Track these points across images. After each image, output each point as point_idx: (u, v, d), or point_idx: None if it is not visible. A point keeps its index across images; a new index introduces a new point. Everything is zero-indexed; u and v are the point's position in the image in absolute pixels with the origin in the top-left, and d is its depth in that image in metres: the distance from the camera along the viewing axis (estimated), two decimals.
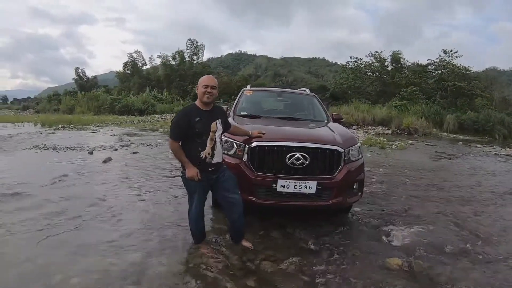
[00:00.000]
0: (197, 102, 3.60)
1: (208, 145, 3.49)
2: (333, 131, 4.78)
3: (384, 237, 4.45)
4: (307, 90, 7.25)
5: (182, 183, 3.77)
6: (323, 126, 5.24)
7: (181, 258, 3.69)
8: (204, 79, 3.57)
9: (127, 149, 10.60)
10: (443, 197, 6.49)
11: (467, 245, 4.34)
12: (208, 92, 3.50)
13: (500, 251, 4.23)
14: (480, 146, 16.57)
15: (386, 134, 19.70)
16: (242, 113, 5.80)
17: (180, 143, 3.51)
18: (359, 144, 4.67)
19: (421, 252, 4.06)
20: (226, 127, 3.88)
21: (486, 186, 7.76)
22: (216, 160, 3.59)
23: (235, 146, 4.25)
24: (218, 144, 3.59)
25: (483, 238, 4.62)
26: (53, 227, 4.32)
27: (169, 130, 3.61)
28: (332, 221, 4.86)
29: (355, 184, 4.52)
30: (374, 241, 4.35)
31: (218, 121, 3.60)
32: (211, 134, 3.50)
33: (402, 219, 5.11)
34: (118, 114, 29.68)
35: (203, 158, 3.50)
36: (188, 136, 3.48)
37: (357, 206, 5.40)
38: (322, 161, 4.17)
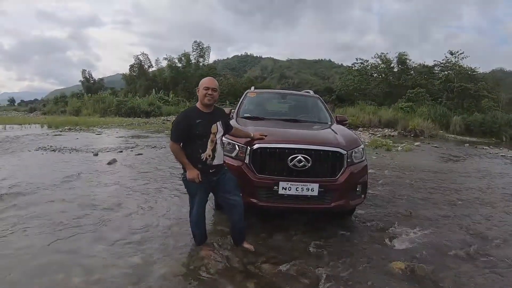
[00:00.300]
0: (198, 104, 3.60)
1: (209, 147, 3.49)
2: (336, 133, 4.75)
3: (387, 241, 4.41)
4: (311, 92, 7.23)
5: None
6: (326, 128, 5.21)
7: (182, 260, 3.69)
8: (205, 81, 3.56)
9: (132, 150, 10.64)
10: (449, 200, 6.43)
11: (473, 248, 4.27)
12: (209, 94, 3.49)
13: (507, 254, 4.17)
14: (486, 147, 16.46)
15: (392, 136, 19.63)
16: (245, 115, 5.79)
17: (181, 145, 3.52)
18: (362, 146, 4.63)
19: (425, 256, 4.01)
20: (227, 129, 3.86)
21: (493, 188, 7.68)
22: (216, 162, 3.58)
23: (237, 148, 4.24)
24: (218, 146, 3.58)
25: (489, 241, 4.57)
26: (53, 230, 4.32)
27: (170, 132, 3.62)
28: (335, 224, 4.82)
29: (358, 186, 4.47)
30: (377, 245, 4.31)
31: (219, 123, 3.59)
32: (211, 136, 3.49)
33: (406, 222, 5.06)
34: (124, 116, 29.77)
35: (203, 160, 3.49)
36: (189, 138, 3.48)
37: (361, 209, 5.36)
38: (325, 163, 4.14)
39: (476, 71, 35.19)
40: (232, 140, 4.25)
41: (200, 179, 3.46)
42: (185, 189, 3.79)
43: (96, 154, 9.72)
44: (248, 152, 4.15)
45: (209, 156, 3.50)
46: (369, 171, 6.13)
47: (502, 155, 13.83)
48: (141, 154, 10.03)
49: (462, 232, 4.84)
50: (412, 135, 20.17)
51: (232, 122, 4.53)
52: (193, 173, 3.45)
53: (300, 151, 4.05)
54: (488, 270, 3.77)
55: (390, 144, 14.53)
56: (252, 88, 7.22)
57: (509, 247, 4.42)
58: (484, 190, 7.46)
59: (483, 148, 16.08)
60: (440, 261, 3.91)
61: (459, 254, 4.11)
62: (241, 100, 6.44)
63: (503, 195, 7.06)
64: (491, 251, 4.24)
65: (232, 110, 5.98)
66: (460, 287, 3.42)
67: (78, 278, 3.25)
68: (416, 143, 16.00)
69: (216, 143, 3.53)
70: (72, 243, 3.97)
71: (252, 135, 4.18)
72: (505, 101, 34.98)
